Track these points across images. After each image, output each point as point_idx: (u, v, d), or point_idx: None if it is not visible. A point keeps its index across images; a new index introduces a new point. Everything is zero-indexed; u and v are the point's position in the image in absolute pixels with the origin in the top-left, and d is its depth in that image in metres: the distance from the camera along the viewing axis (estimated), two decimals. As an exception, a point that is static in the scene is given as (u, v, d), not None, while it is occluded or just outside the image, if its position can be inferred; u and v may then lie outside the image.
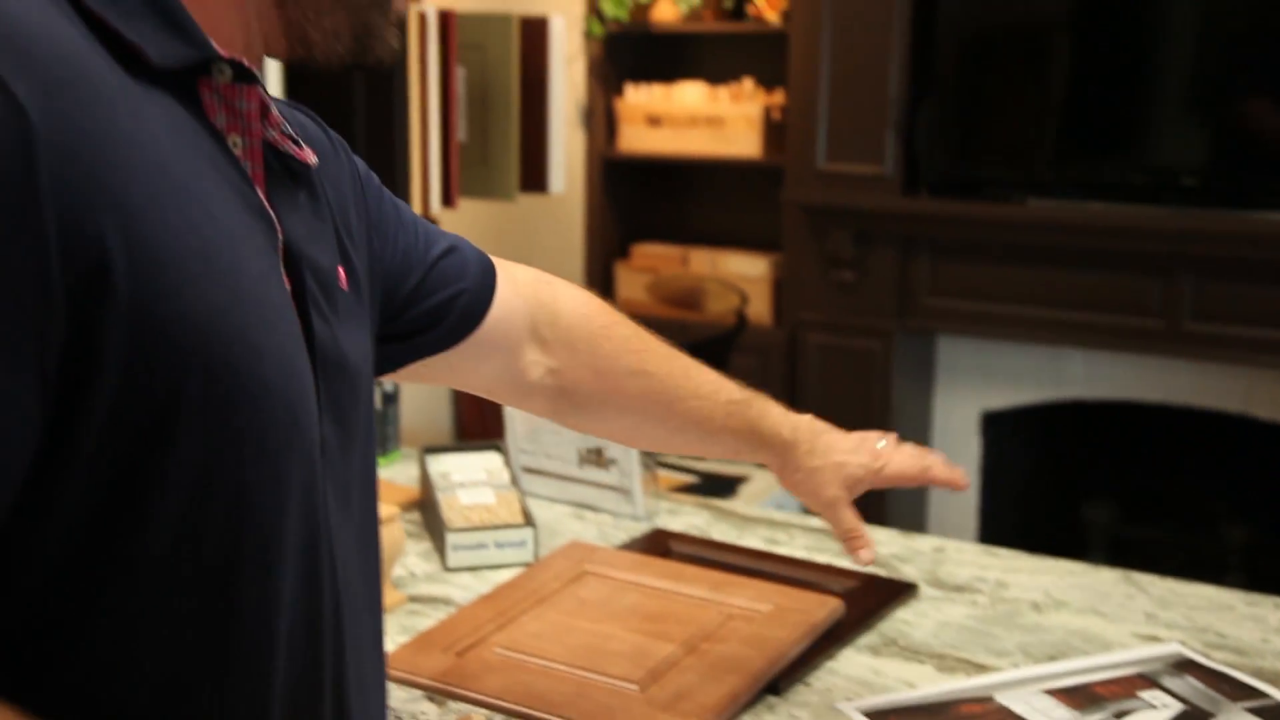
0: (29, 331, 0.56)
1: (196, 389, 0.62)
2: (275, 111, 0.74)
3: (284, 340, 0.70)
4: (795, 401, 3.62)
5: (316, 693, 0.76)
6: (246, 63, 0.70)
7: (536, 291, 1.18)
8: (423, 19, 2.44)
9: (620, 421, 1.25)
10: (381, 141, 2.41)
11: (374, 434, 0.89)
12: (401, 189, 2.42)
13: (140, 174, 0.60)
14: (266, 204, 0.72)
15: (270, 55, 0.75)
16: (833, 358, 3.60)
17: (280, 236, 0.73)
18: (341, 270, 0.83)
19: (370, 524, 0.87)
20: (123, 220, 0.59)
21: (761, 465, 1.33)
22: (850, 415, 3.52)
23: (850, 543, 1.28)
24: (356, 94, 2.41)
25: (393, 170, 2.41)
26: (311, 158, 0.78)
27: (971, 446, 3.73)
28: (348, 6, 0.73)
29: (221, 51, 0.69)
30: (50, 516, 0.60)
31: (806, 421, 1.29)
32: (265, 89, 0.73)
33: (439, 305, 1.06)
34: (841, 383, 3.59)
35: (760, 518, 1.85)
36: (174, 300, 0.61)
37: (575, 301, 1.22)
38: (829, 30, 3.47)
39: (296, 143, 0.76)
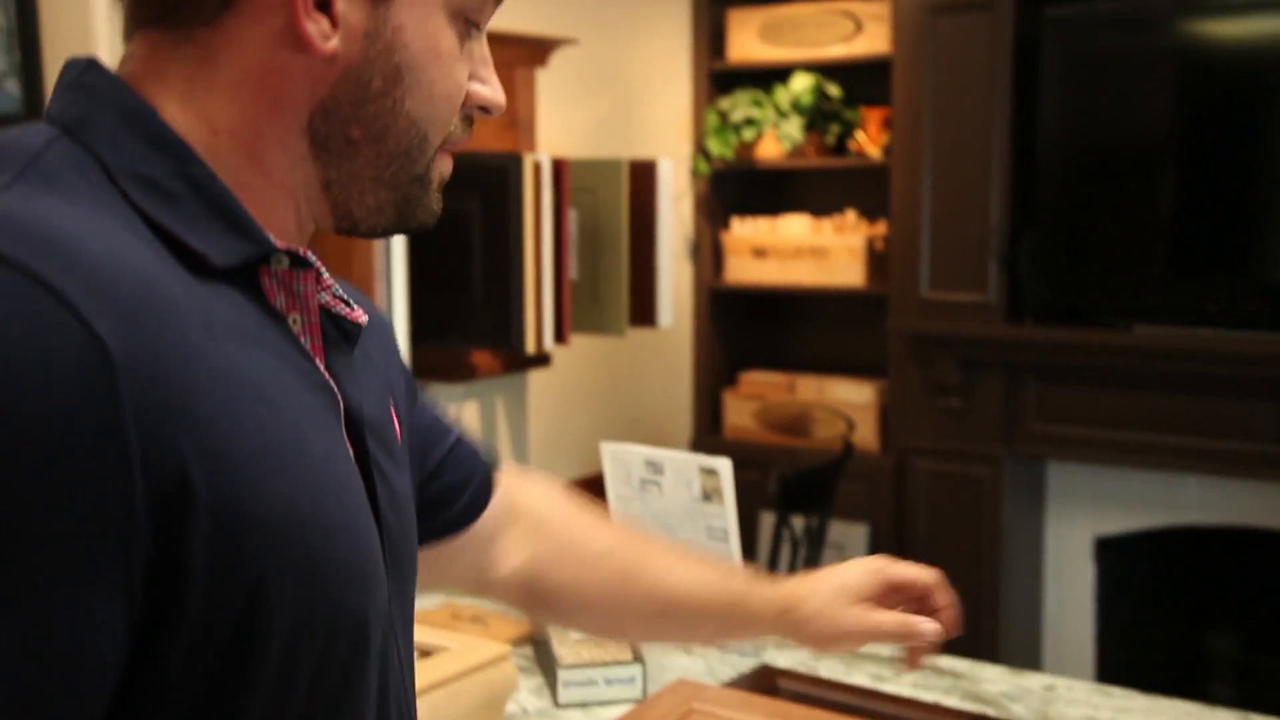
0: (116, 557, 0.58)
1: (277, 582, 0.64)
2: (327, 276, 0.76)
3: (354, 514, 0.72)
4: (904, 528, 3.58)
5: None
6: (302, 252, 0.73)
7: (507, 481, 1.13)
8: (537, 167, 2.52)
9: (598, 610, 1.15)
10: (497, 281, 2.48)
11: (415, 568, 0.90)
12: (516, 326, 2.49)
13: (212, 386, 0.62)
14: (327, 376, 0.74)
15: (319, 228, 0.78)
16: (941, 484, 3.56)
17: (341, 405, 0.75)
18: (395, 420, 0.85)
19: (411, 653, 0.87)
20: (199, 435, 0.61)
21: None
22: (960, 541, 3.49)
23: (909, 634, 1.12)
24: (473, 236, 2.50)
25: (507, 308, 2.47)
26: (362, 317, 0.79)
27: (1086, 573, 3.64)
28: (389, 185, 0.76)
29: (278, 243, 0.72)
30: None
31: (796, 578, 1.18)
32: (320, 269, 0.75)
33: (451, 489, 1.03)
34: (950, 509, 3.54)
35: (867, 654, 1.83)
36: (249, 501, 0.63)
37: (543, 490, 1.17)
38: (929, 162, 3.50)
39: (348, 303, 0.78)
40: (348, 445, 0.75)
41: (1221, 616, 3.64)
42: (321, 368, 0.74)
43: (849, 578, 1.15)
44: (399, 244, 2.25)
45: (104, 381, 0.58)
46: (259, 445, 0.64)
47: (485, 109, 0.78)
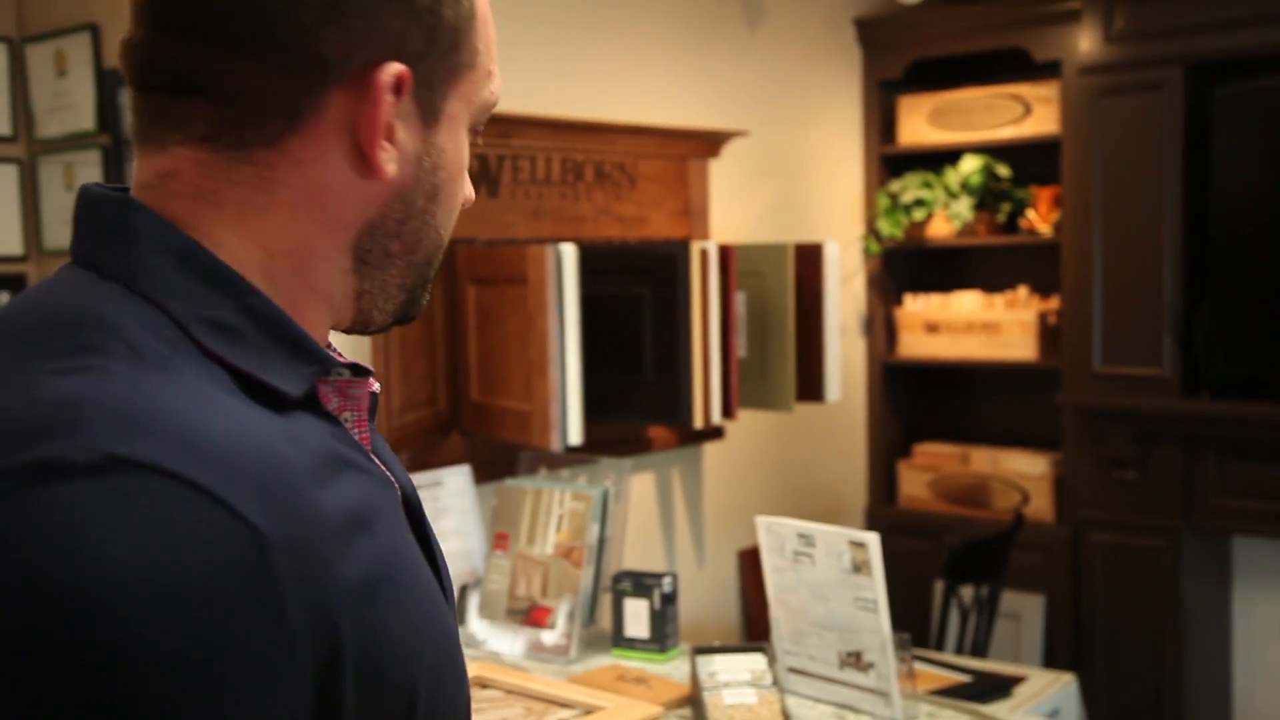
0: None
1: (420, 695, 0.67)
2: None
3: (435, 602, 0.73)
4: (1081, 599, 3.48)
5: None
6: (361, 363, 0.74)
7: None
8: (704, 253, 2.61)
9: None
10: (666, 360, 2.56)
11: None
12: (684, 403, 2.56)
13: (339, 544, 0.62)
14: (383, 468, 0.74)
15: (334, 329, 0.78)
16: (1118, 555, 3.46)
17: (399, 492, 0.74)
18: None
19: None
20: (343, 600, 0.61)
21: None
22: (1139, 613, 3.37)
23: None
24: (644, 318, 2.59)
25: (676, 386, 2.55)
26: (377, 385, 0.78)
27: (1278, 647, 3.46)
28: (408, 289, 0.76)
29: (339, 357, 0.73)
30: None
31: None
32: (370, 373, 0.76)
33: None
34: (1128, 581, 3.43)
35: (1019, 722, 1.81)
36: (385, 642, 0.64)
37: None
38: (1100, 238, 3.45)
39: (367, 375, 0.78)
40: (408, 529, 0.75)
41: None
42: (379, 463, 0.75)
43: None
44: (572, 327, 2.35)
45: (263, 565, 0.57)
46: (378, 580, 0.64)
47: (468, 203, 0.79)
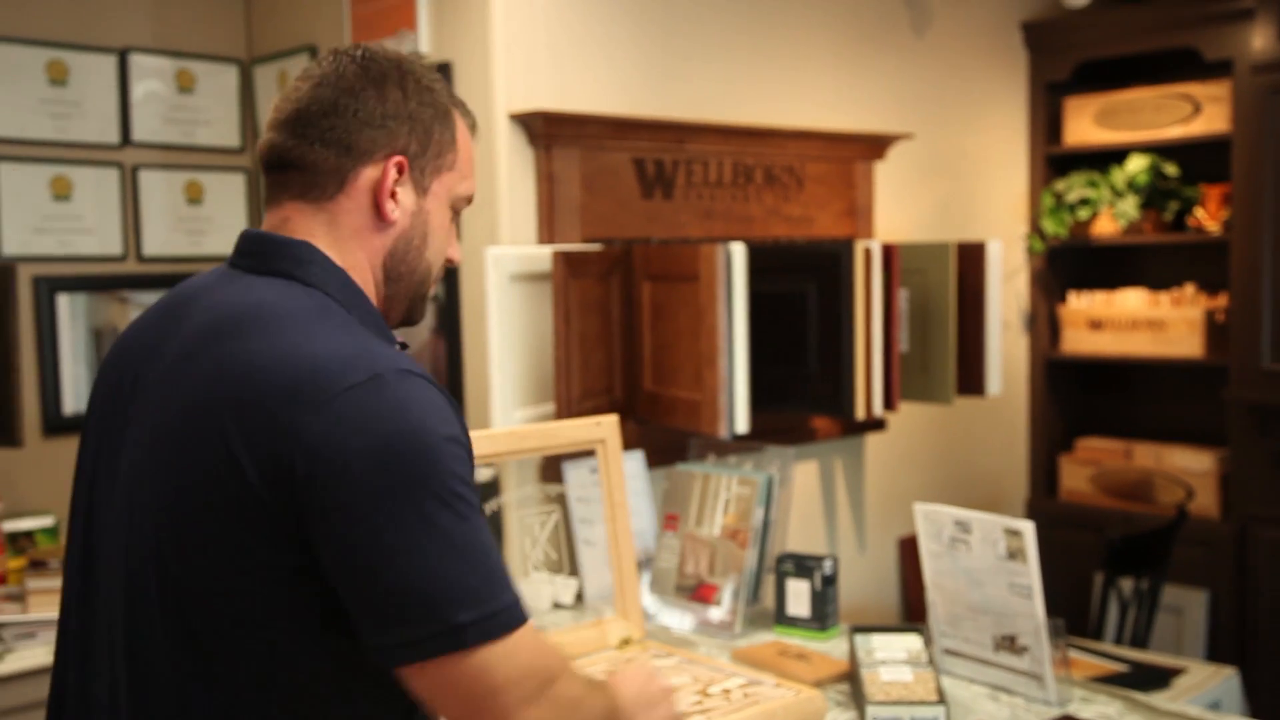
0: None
1: None
2: None
3: None
4: (1246, 594, 3.33)
5: None
6: (404, 342, 1.19)
7: None
8: (868, 252, 2.59)
9: None
10: (830, 353, 2.56)
11: None
12: (846, 394, 2.55)
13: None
14: None
15: None
16: (1285, 553, 3.29)
17: None
18: None
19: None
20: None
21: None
22: (1306, 612, 3.20)
23: None
24: (809, 313, 2.59)
25: (839, 378, 2.55)
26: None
27: None
28: (411, 300, 1.22)
29: (398, 338, 1.20)
30: None
31: None
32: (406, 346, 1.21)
33: None
34: (1296, 579, 3.27)
35: (1177, 713, 1.76)
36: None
37: None
38: (1271, 235, 3.28)
39: None
40: None
41: None
42: None
43: None
44: (740, 321, 2.37)
45: (460, 415, 1.09)
46: None
47: (453, 262, 1.25)
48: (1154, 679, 2.40)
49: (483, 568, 1.00)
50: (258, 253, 1.15)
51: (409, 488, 0.99)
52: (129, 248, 3.04)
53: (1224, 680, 2.57)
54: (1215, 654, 3.36)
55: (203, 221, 3.12)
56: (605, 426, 1.80)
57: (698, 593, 2.20)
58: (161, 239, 3.07)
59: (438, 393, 1.06)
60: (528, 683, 1.01)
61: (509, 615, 1.00)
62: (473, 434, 1.13)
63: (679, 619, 2.19)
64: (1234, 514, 3.42)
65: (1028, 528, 1.77)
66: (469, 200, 1.23)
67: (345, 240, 1.15)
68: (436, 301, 2.64)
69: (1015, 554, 1.79)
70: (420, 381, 1.05)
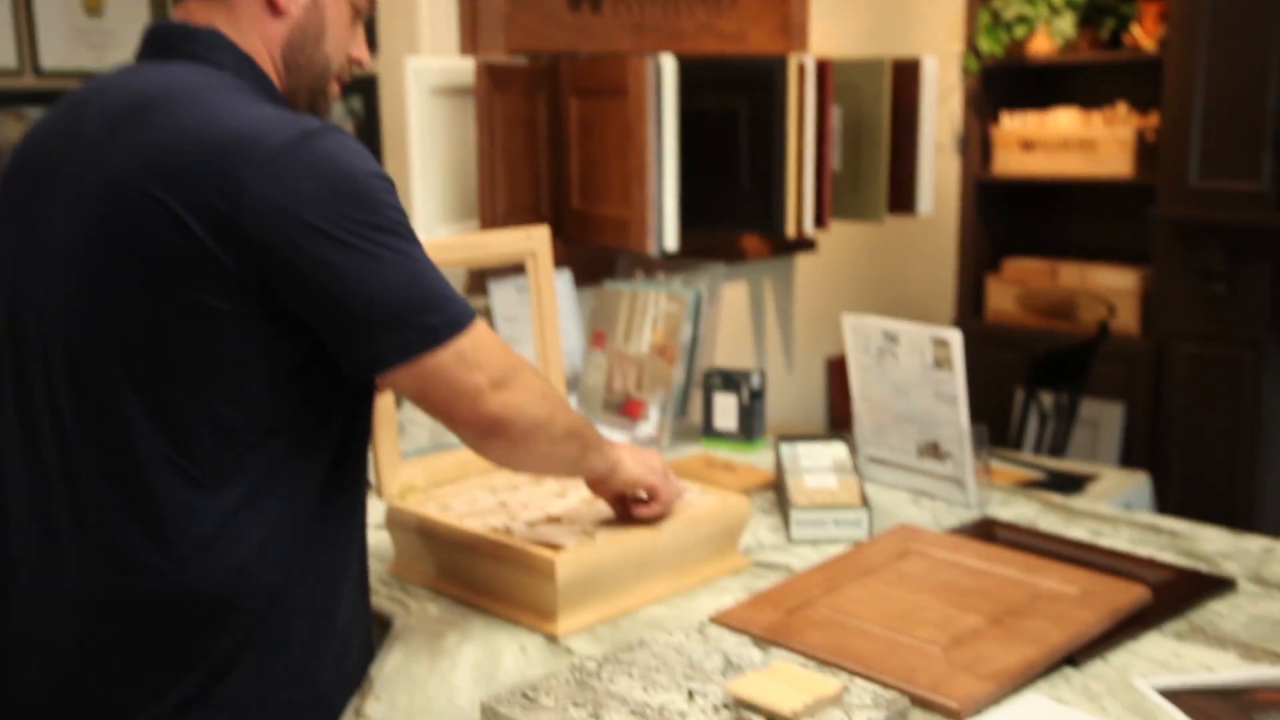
0: None
1: None
2: None
3: None
4: (1160, 407, 3.42)
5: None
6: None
7: None
8: (801, 67, 2.52)
9: None
10: (761, 171, 2.52)
11: None
12: (778, 212, 2.52)
13: None
14: None
15: None
16: (1201, 368, 3.37)
17: None
18: None
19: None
20: None
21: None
22: (1217, 422, 3.30)
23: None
24: (740, 130, 2.53)
25: (770, 196, 2.51)
26: None
27: (1353, 459, 3.37)
28: (311, 92, 1.27)
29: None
30: None
31: None
32: None
33: None
34: (1209, 393, 3.35)
35: (1089, 511, 1.80)
36: None
37: None
38: (1205, 53, 3.25)
39: None
40: None
41: None
42: None
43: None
44: (670, 136, 2.31)
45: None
46: None
47: (358, 62, 1.30)
48: (1070, 484, 2.47)
49: (435, 278, 1.16)
50: (165, 41, 1.21)
51: (359, 224, 1.10)
52: (24, 61, 2.88)
53: (1135, 484, 2.65)
54: (1127, 463, 3.47)
55: (105, 35, 2.96)
56: (536, 238, 1.76)
57: (625, 409, 2.20)
58: (61, 52, 2.91)
59: (358, 141, 1.16)
60: (496, 366, 1.17)
61: (466, 312, 1.17)
62: None
63: (606, 435, 2.19)
64: (1153, 331, 3.48)
65: (955, 336, 1.77)
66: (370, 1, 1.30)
67: (245, 30, 1.21)
68: (355, 116, 2.54)
69: (942, 363, 1.79)
70: (342, 134, 1.14)
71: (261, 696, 1.15)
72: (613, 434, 2.19)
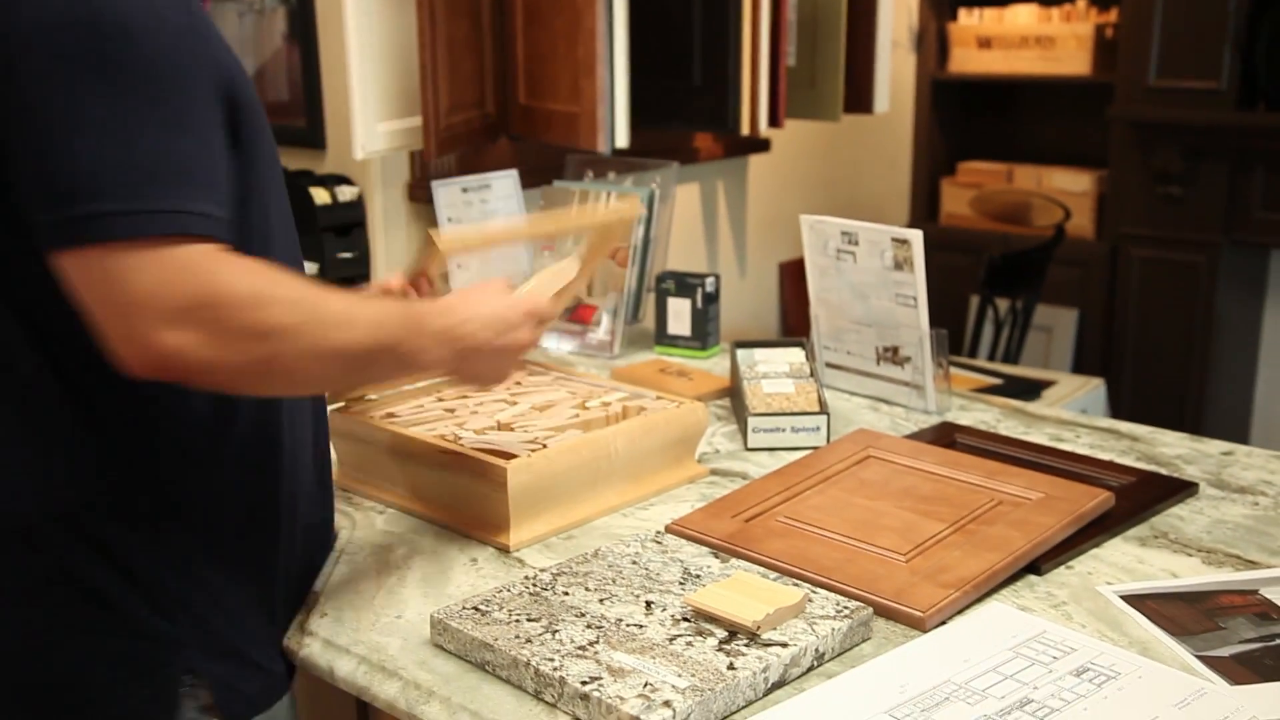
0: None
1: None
2: None
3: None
4: (1115, 312, 3.43)
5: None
6: None
7: None
8: (755, -46, 2.44)
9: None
10: (715, 66, 2.44)
11: None
12: (732, 109, 2.45)
13: None
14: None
15: None
16: (1155, 270, 3.38)
17: None
18: None
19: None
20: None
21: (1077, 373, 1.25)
22: (1171, 326, 3.32)
23: None
24: (694, 24, 2.45)
25: (724, 92, 2.44)
26: None
27: (1302, 362, 3.42)
28: None
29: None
30: None
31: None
32: None
33: None
34: (1163, 294, 3.36)
35: (1048, 416, 1.79)
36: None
37: None
38: (1166, -55, 3.20)
39: None
40: None
41: None
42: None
43: None
44: (621, 27, 2.23)
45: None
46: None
47: None
48: (1026, 390, 2.47)
49: (161, 162, 0.91)
50: None
51: (100, 60, 0.89)
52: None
53: (1091, 390, 2.66)
54: (1080, 369, 3.49)
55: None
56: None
57: (575, 314, 2.15)
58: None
59: None
60: (173, 301, 0.91)
61: (169, 220, 0.91)
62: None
63: (556, 341, 2.15)
64: (1108, 234, 3.47)
65: (915, 236, 1.73)
66: None
67: None
68: (288, 4, 2.43)
69: (902, 264, 1.76)
70: None
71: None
72: (562, 340, 2.15)
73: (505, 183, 2.38)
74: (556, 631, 1.10)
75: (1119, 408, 3.21)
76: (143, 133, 0.91)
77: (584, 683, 1.01)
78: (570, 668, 1.04)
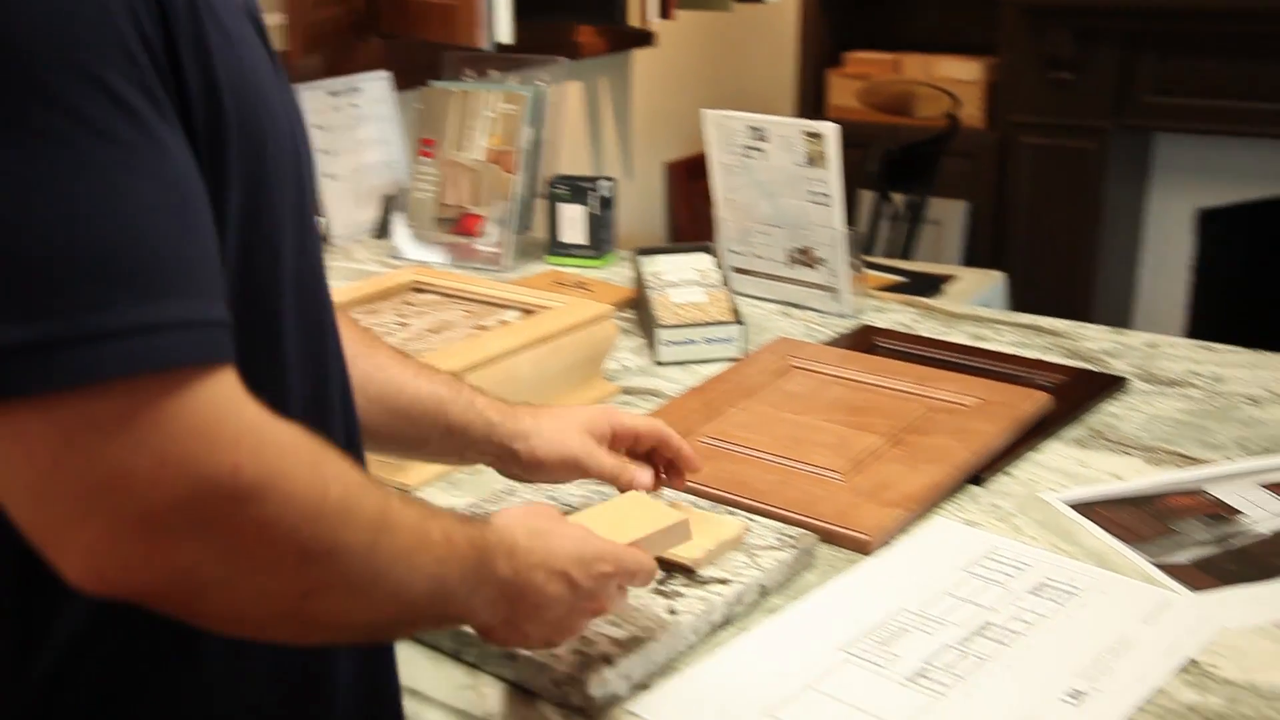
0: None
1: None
2: None
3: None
4: (1005, 203, 3.40)
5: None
6: None
7: None
8: None
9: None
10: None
11: None
12: (619, 2, 2.31)
13: None
14: None
15: None
16: (1045, 158, 3.35)
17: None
18: None
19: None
20: None
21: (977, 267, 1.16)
22: (1060, 213, 3.30)
23: (624, 480, 1.01)
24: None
25: (609, -17, 2.29)
26: None
27: (1184, 244, 3.45)
28: None
29: None
30: None
31: (524, 409, 1.01)
32: None
33: None
34: (1053, 183, 3.34)
35: (967, 314, 1.73)
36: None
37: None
38: None
39: None
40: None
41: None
42: None
43: (578, 413, 1.02)
44: (494, -88, 2.05)
45: None
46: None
47: None
48: (928, 286, 2.42)
49: (89, 239, 0.52)
50: None
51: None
52: None
53: (991, 283, 2.63)
54: (972, 261, 3.46)
55: None
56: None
57: (461, 225, 2.01)
58: None
59: None
60: (183, 488, 0.54)
61: (161, 341, 0.54)
62: None
63: (441, 255, 2.00)
64: (999, 122, 3.43)
65: (829, 129, 1.64)
66: None
67: None
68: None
69: (814, 159, 1.66)
70: None
71: None
72: (448, 254, 2.00)
73: (377, 85, 2.21)
74: (474, 582, 0.99)
75: (1014, 298, 3.20)
76: (68, 187, 0.53)
77: (511, 640, 0.91)
78: (494, 624, 0.93)
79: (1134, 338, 1.61)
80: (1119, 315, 3.46)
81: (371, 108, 2.21)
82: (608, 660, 0.88)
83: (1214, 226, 3.42)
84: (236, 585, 0.58)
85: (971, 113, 3.47)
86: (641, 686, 0.90)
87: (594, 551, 0.80)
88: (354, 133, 2.17)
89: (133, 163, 0.54)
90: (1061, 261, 3.35)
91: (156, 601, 0.58)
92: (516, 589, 0.74)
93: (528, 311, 1.46)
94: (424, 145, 2.07)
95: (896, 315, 1.72)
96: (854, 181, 3.40)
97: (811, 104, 3.75)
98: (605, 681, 0.87)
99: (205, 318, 0.55)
